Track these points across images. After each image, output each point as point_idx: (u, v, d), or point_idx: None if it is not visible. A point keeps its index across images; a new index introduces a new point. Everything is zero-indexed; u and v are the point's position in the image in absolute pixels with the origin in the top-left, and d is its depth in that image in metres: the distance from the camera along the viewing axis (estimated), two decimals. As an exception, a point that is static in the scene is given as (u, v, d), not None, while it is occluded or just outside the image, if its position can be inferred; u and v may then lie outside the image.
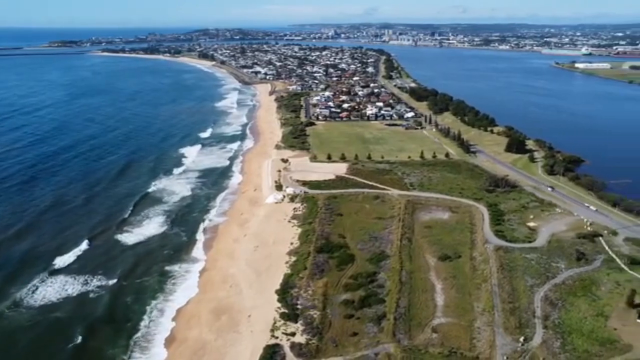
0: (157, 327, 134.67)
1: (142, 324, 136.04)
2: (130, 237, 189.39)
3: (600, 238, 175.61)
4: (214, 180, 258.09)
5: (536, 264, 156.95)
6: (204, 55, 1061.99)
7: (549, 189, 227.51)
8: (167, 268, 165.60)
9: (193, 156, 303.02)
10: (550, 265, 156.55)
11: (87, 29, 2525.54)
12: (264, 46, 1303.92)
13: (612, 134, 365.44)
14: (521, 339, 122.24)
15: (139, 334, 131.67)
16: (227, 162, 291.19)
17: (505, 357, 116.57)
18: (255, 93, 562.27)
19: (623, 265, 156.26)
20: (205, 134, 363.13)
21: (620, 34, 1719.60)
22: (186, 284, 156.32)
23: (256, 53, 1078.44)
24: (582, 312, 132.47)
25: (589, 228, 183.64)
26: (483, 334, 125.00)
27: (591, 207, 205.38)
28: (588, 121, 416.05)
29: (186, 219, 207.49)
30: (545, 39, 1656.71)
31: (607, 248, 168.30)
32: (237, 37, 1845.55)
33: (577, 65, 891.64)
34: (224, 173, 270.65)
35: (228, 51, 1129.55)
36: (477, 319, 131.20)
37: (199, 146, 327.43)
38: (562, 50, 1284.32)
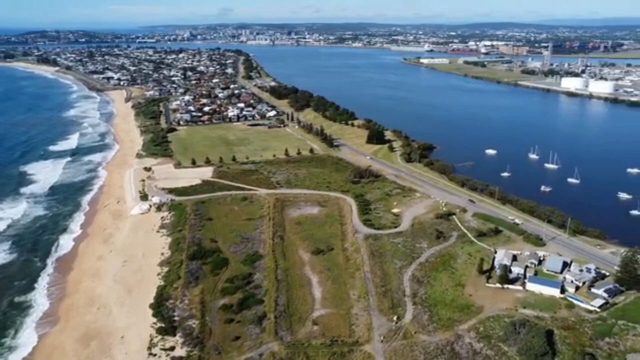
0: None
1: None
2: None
3: (454, 216, 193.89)
4: (71, 196, 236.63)
5: (402, 247, 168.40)
6: (44, 60, 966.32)
7: (470, 201, 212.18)
8: (19, 300, 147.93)
9: (45, 172, 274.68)
10: (414, 246, 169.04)
11: None
12: (115, 49, 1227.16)
13: (456, 121, 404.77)
14: (395, 318, 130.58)
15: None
16: (85, 176, 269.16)
17: (382, 337, 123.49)
18: (109, 100, 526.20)
19: (473, 238, 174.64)
20: (57, 147, 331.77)
21: (454, 34, 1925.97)
22: (44, 315, 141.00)
23: (106, 57, 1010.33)
24: (444, 285, 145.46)
25: (444, 208, 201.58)
26: (360, 319, 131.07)
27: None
28: (435, 111, 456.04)
29: (39, 242, 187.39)
30: (392, 37, 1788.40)
31: (459, 224, 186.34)
32: (83, 40, 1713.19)
33: (422, 60, 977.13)
34: (82, 187, 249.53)
35: (73, 55, 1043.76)
36: (354, 306, 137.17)
37: (50, 160, 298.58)
38: (408, 47, 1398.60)
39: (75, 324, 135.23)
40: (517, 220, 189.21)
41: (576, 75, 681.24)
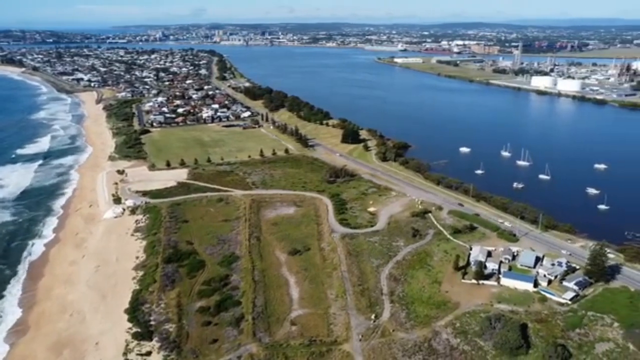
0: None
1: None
2: None
3: (430, 214, 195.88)
4: (40, 200, 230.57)
5: (379, 246, 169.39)
6: (9, 61, 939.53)
7: (459, 204, 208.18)
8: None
9: (16, 176, 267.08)
10: (391, 245, 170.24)
11: None
12: (85, 50, 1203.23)
13: (430, 120, 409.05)
14: (372, 317, 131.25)
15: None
16: (57, 179, 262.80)
17: (360, 336, 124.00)
18: (79, 102, 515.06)
19: (449, 236, 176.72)
20: (28, 150, 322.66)
21: (426, 33, 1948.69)
22: (14, 323, 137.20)
23: (76, 58, 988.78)
24: (420, 282, 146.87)
25: (420, 206, 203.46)
26: (339, 319, 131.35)
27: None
28: (410, 109, 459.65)
29: (9, 248, 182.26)
30: (366, 37, 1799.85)
31: (435, 222, 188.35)
32: (51, 40, 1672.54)
33: (395, 60, 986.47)
34: (53, 191, 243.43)
35: (41, 56, 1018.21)
36: (331, 305, 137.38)
37: (20, 164, 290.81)
38: (382, 47, 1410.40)
39: (47, 332, 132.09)
40: (506, 224, 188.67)
41: (545, 74, 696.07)
